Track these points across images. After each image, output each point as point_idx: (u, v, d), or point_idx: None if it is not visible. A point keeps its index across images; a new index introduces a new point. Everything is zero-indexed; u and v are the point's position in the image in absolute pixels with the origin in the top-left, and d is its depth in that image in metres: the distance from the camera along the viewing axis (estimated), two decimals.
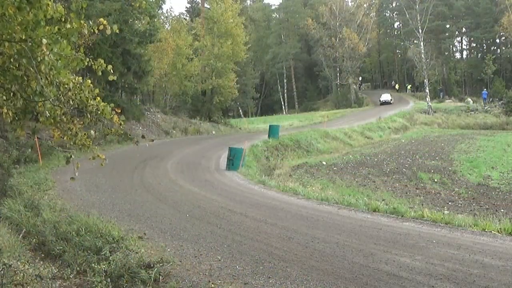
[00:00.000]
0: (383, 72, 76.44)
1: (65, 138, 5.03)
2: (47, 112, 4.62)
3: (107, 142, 20.95)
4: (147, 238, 7.51)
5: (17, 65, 4.48)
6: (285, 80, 64.14)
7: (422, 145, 26.04)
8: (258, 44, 65.95)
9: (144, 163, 16.55)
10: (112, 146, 20.93)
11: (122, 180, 13.38)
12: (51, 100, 4.62)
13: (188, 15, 55.97)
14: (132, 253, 6.66)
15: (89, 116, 4.90)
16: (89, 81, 5.02)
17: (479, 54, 66.62)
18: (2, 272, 5.64)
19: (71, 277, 6.46)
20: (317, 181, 17.01)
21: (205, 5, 42.18)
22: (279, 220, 8.83)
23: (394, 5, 68.76)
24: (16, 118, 4.86)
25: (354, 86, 58.52)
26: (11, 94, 4.61)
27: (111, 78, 5.00)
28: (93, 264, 6.48)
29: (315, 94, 67.98)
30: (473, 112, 42.55)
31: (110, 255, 6.69)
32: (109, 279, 6.00)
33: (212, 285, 5.59)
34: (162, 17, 38.28)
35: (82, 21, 4.59)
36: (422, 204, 14.26)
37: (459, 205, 15.19)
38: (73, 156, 5.00)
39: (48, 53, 4.24)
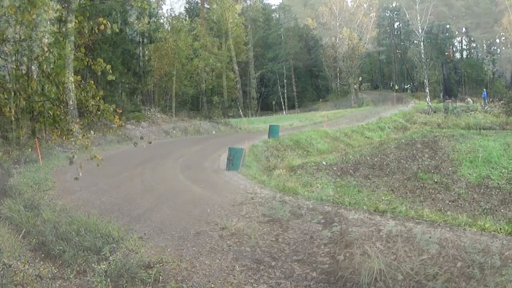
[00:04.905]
0: (383, 72, 76.32)
1: (64, 138, 5.03)
2: (49, 111, 4.62)
3: (107, 142, 20.93)
4: (147, 238, 7.51)
5: (17, 65, 4.48)
6: (285, 80, 64.02)
7: (422, 145, 26.00)
8: (258, 44, 65.89)
9: (144, 163, 16.53)
10: (112, 146, 20.91)
11: (122, 180, 13.38)
12: (51, 100, 4.62)
13: (187, 15, 55.89)
14: (132, 253, 6.66)
15: (89, 116, 4.89)
16: (91, 81, 5.02)
17: (479, 54, 66.56)
18: (2, 272, 5.64)
19: (71, 277, 6.45)
20: (317, 181, 17.00)
21: (205, 5, 42.18)
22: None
23: (394, 5, 68.64)
24: (17, 118, 4.86)
25: (354, 86, 58.45)
26: (12, 93, 4.61)
27: (109, 78, 5.00)
28: (93, 264, 6.48)
29: (315, 94, 67.84)
30: (473, 112, 42.51)
31: (110, 255, 6.68)
32: (109, 279, 6.00)
33: (212, 285, 5.59)
34: (162, 17, 38.29)
35: (82, 21, 4.59)
36: (422, 204, 14.27)
37: (459, 205, 15.19)
38: (75, 156, 5.01)
39: (50, 51, 4.24)
